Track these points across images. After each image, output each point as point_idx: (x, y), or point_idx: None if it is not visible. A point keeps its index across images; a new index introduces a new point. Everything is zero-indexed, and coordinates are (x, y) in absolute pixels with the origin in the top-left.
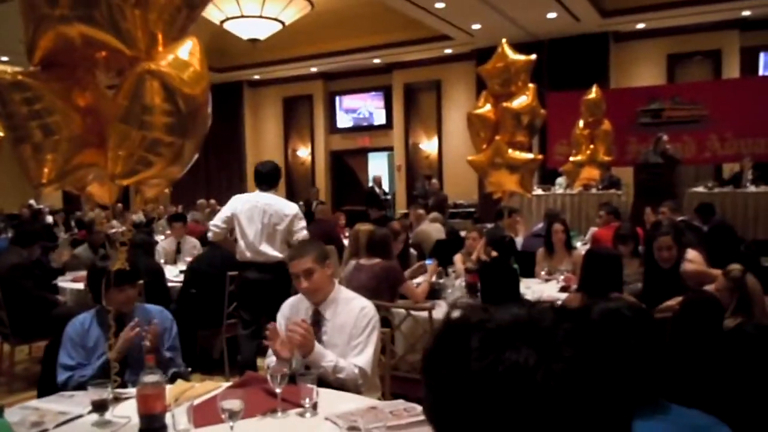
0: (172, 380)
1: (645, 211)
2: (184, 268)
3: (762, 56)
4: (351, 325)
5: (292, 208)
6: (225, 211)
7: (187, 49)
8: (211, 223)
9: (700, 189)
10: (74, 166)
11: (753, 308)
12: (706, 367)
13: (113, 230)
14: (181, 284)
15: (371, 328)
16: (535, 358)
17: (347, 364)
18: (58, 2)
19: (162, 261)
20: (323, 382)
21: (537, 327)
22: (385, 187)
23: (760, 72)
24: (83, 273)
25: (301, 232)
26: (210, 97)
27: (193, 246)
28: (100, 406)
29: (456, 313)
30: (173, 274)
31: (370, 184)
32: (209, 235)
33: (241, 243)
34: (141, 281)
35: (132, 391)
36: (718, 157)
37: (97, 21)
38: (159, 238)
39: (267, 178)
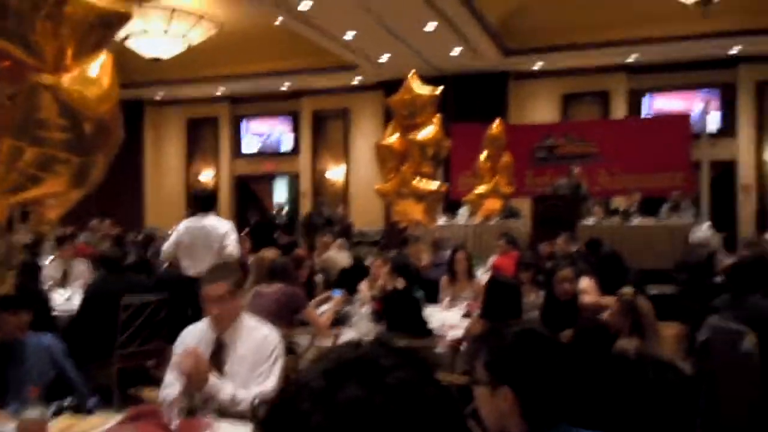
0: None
1: (540, 243)
2: (73, 292)
3: (646, 98)
4: (253, 352)
5: (225, 226)
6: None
7: (97, 66)
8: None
9: (591, 221)
10: None
11: (645, 329)
12: (600, 391)
13: None
14: (65, 313)
15: (275, 357)
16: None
17: (246, 394)
18: None
19: (47, 285)
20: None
21: (368, 363)
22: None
23: (645, 112)
24: None
25: (231, 245)
26: (120, 116)
27: (83, 270)
28: None
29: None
30: (59, 301)
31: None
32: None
33: (186, 263)
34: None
35: (8, 428)
36: (608, 191)
37: (5, 31)
38: (47, 260)
39: (205, 203)
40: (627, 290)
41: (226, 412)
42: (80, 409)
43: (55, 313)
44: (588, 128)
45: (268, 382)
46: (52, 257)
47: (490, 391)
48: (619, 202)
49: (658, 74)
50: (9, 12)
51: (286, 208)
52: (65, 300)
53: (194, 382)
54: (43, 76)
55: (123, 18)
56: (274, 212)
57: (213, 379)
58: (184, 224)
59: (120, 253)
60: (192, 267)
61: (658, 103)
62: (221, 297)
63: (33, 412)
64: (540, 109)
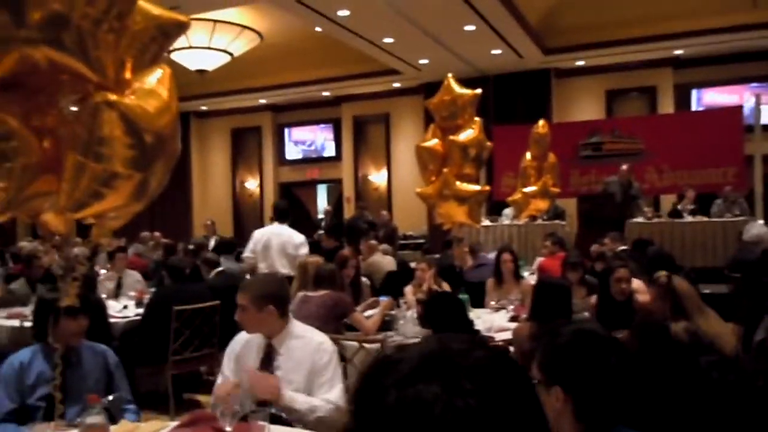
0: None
1: (591, 244)
2: (127, 303)
3: (694, 92)
4: (309, 361)
5: (300, 237)
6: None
7: (155, 79)
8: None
9: (640, 219)
10: (28, 195)
11: (687, 309)
12: (662, 393)
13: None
14: (123, 319)
15: (335, 363)
16: (437, 392)
17: (321, 402)
18: (24, 23)
19: (104, 296)
20: (279, 420)
21: (448, 360)
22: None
23: (693, 107)
24: (19, 309)
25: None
26: (179, 128)
27: (135, 280)
28: None
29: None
30: (116, 310)
31: (320, 215)
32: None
33: (262, 265)
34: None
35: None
36: (656, 188)
37: (66, 45)
38: (102, 272)
39: (282, 214)
40: (660, 273)
41: (302, 421)
42: (113, 417)
43: (111, 321)
44: (635, 124)
45: (336, 389)
46: (105, 270)
47: (544, 390)
48: (671, 200)
49: (706, 67)
50: (71, 26)
51: (330, 213)
52: (122, 308)
53: (270, 400)
54: (107, 94)
55: (181, 27)
56: (320, 217)
57: (287, 392)
58: (263, 231)
59: (185, 263)
60: (268, 268)
61: (707, 98)
62: (242, 306)
63: (94, 419)
64: (584, 106)
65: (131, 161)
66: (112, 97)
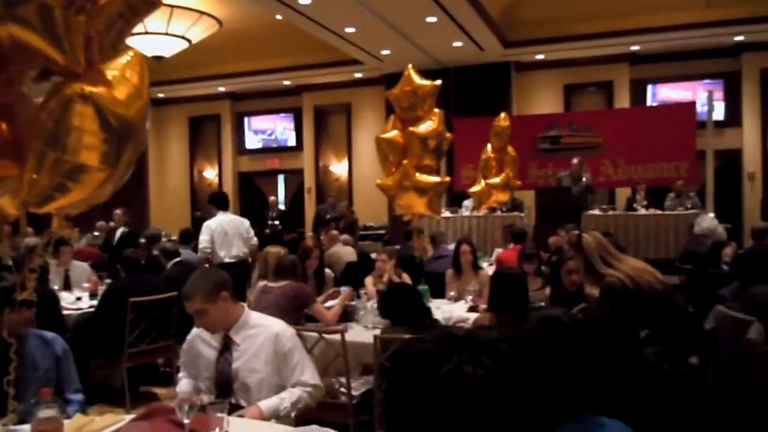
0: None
1: (548, 236)
2: (80, 294)
3: (650, 88)
4: (270, 350)
5: (247, 222)
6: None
7: (126, 63)
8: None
9: (596, 212)
10: None
11: (600, 260)
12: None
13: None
14: (77, 311)
15: (299, 346)
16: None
17: (299, 390)
18: None
19: (55, 287)
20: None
21: (473, 340)
22: (282, 207)
23: (648, 102)
24: None
25: (254, 237)
26: (148, 116)
27: (84, 272)
28: None
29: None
30: (68, 302)
31: (282, 206)
32: (200, 252)
33: (222, 253)
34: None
35: (25, 428)
36: (612, 181)
37: (33, 24)
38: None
39: (224, 203)
40: (572, 233)
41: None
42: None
43: (64, 312)
44: (592, 118)
45: (307, 370)
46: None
47: None
48: (627, 193)
49: (662, 63)
50: (40, 4)
51: (282, 206)
52: (75, 300)
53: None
54: (81, 85)
55: (151, 5)
56: (270, 209)
57: (264, 404)
58: (216, 221)
59: (139, 255)
60: (228, 255)
61: (662, 93)
62: (198, 311)
63: (47, 412)
64: (543, 100)
65: (102, 154)
66: (87, 88)
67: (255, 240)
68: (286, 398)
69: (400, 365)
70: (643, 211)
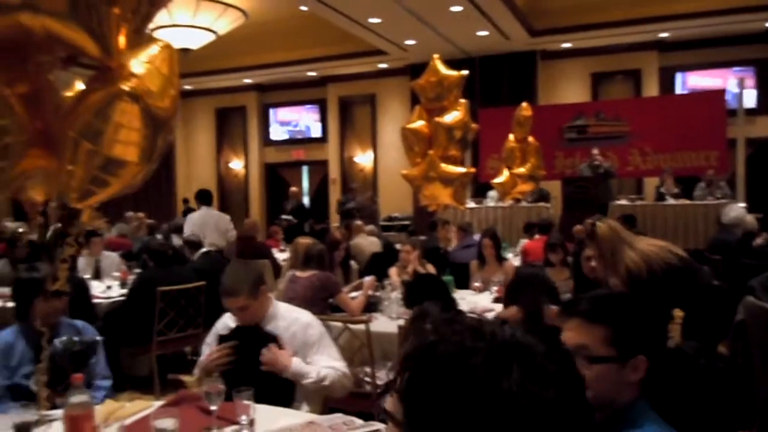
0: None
1: (575, 226)
2: (110, 283)
3: (679, 76)
4: (300, 340)
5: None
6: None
7: (155, 53)
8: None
9: (624, 201)
10: (18, 173)
11: (614, 249)
12: None
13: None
14: (107, 300)
15: (326, 335)
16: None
17: (328, 370)
18: None
19: (86, 276)
20: (261, 398)
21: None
22: (305, 200)
23: (677, 90)
24: (1, 289)
25: (233, 230)
26: (178, 107)
27: (115, 262)
28: (22, 429)
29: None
30: (99, 290)
31: (305, 198)
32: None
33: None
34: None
35: (58, 412)
36: (639, 171)
37: (71, 17)
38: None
39: (207, 198)
40: (587, 221)
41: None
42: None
43: (95, 301)
44: (620, 107)
45: (336, 362)
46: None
47: (616, 366)
48: (655, 183)
49: (691, 51)
50: (77, 2)
51: (306, 197)
52: (105, 288)
53: (280, 372)
54: (124, 83)
55: None
56: (289, 201)
57: (296, 363)
58: (198, 215)
59: (167, 247)
60: (207, 246)
61: (691, 81)
62: (242, 307)
63: (78, 398)
64: (569, 89)
65: (140, 149)
66: (130, 86)
67: (233, 233)
68: (314, 370)
69: (447, 370)
70: (672, 201)
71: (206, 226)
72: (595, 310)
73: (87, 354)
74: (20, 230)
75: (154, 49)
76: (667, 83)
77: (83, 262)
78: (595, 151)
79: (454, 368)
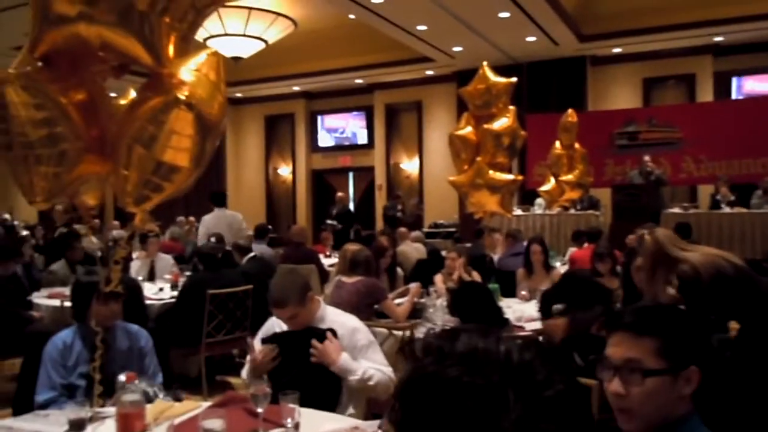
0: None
1: (626, 235)
2: (162, 285)
3: (734, 80)
4: (346, 344)
5: (239, 215)
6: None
7: (203, 61)
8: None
9: (677, 209)
10: (74, 178)
11: (668, 260)
12: None
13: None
14: (158, 301)
15: (373, 339)
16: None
17: (374, 371)
18: (87, 1)
19: (140, 278)
20: (306, 401)
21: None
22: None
23: (733, 96)
24: (59, 289)
25: (246, 229)
26: (225, 112)
27: (168, 264)
28: (77, 426)
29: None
30: (152, 292)
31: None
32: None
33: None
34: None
35: (111, 410)
36: (693, 178)
37: (126, 27)
38: (134, 255)
39: (221, 200)
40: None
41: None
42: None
43: (147, 302)
44: (673, 113)
45: (382, 360)
46: (136, 255)
47: (669, 379)
48: (709, 190)
49: (747, 55)
50: (132, 9)
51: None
52: (157, 290)
53: (326, 358)
54: (179, 90)
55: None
56: (335, 206)
57: (345, 359)
58: (212, 215)
59: (217, 250)
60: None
61: (748, 86)
62: (291, 316)
63: (131, 396)
64: (620, 95)
65: (192, 155)
66: (185, 95)
67: (245, 232)
68: (361, 368)
69: (443, 408)
70: (727, 209)
71: (220, 226)
72: (641, 321)
73: None
74: (78, 232)
75: (202, 57)
76: (722, 88)
77: (138, 264)
78: (647, 158)
79: (450, 407)
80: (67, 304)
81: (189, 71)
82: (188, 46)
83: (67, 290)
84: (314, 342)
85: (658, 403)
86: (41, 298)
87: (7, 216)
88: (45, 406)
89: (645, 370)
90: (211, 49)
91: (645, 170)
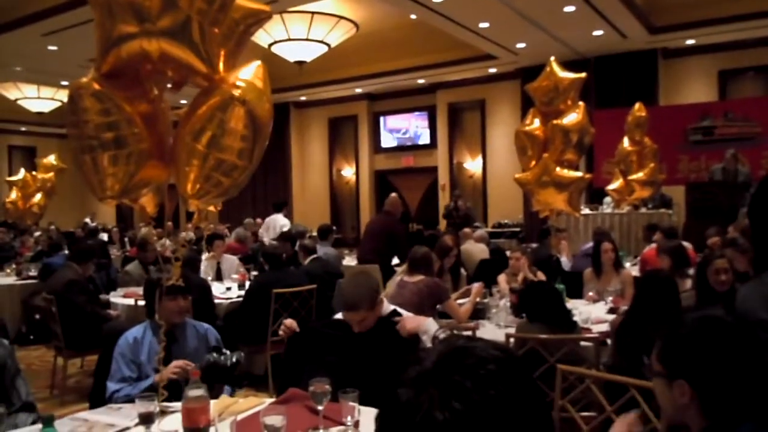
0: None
1: (700, 234)
2: (230, 285)
3: None
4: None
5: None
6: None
7: (253, 69)
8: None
9: None
10: (139, 179)
11: None
12: None
13: (165, 248)
14: (226, 300)
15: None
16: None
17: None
18: (146, 17)
19: (208, 278)
20: (366, 400)
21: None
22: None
23: None
24: (134, 289)
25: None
26: (272, 116)
27: (234, 265)
28: (146, 419)
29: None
30: (220, 291)
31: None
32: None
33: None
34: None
35: (178, 405)
36: None
37: (182, 38)
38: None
39: (278, 206)
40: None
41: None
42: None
43: (216, 301)
44: (751, 106)
45: None
46: (205, 256)
47: (666, 384)
48: None
49: None
50: (188, 20)
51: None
52: (225, 290)
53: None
54: (232, 89)
55: (264, 16)
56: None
57: (431, 320)
58: (270, 218)
59: (282, 250)
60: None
61: None
62: (361, 320)
63: (196, 392)
64: (694, 88)
65: (245, 153)
66: (239, 93)
67: (280, 230)
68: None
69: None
70: None
71: (268, 228)
72: (669, 325)
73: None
74: (152, 234)
75: (250, 67)
76: None
77: (206, 265)
78: (729, 154)
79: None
80: (141, 302)
81: (239, 78)
82: (237, 58)
83: (140, 290)
84: (401, 320)
85: (664, 404)
86: (117, 298)
87: (87, 219)
88: (112, 396)
89: (653, 369)
90: (257, 61)
91: (729, 167)
